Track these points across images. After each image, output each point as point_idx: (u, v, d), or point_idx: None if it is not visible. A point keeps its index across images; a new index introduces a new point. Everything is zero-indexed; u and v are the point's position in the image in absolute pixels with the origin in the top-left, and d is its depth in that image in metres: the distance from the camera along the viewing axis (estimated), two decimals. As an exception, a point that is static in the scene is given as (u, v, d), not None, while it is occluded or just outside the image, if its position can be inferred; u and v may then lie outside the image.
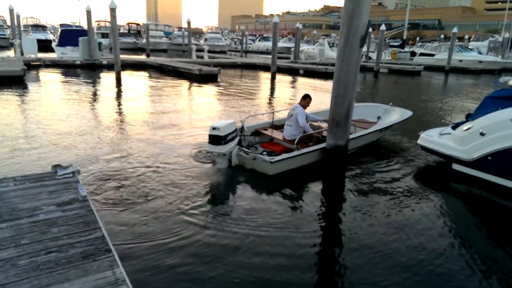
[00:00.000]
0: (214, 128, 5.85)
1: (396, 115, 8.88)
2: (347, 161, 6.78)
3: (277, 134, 7.62)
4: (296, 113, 7.07)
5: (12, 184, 3.94)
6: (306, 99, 7.37)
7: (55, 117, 9.82)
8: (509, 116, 5.93)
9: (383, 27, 28.64)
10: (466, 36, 53.09)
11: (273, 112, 8.52)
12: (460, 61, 33.59)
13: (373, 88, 21.50)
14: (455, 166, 6.83)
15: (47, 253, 2.72)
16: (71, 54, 25.06)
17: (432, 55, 38.61)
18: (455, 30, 30.40)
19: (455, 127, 7.16)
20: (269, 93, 17.44)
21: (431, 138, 7.27)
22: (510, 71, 32.26)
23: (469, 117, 6.92)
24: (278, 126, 8.10)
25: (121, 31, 50.11)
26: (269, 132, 7.73)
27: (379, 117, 9.27)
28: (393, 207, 5.36)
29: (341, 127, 6.45)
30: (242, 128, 7.42)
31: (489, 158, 6.17)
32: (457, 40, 32.91)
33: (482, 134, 6.26)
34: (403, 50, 44.01)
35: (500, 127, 6.03)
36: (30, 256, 2.69)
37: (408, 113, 8.81)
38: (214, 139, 5.86)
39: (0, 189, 3.80)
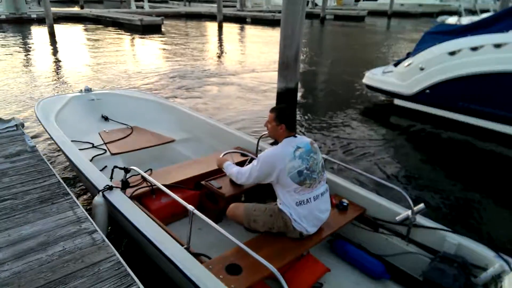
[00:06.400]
0: None
1: None
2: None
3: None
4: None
5: (-51, 141, 3.67)
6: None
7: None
8: (446, 49, 6.29)
9: (327, -29, 28.33)
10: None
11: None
12: (402, 5, 34.43)
13: (320, 35, 21.63)
14: (397, 101, 7.24)
15: (1, 201, 2.64)
16: (-6, 7, 22.55)
17: (375, -1, 39.15)
18: (396, -27, 30.84)
19: (397, 64, 7.47)
20: (218, 43, 17.01)
21: (375, 76, 7.58)
22: (448, 13, 33.53)
23: (410, 54, 7.25)
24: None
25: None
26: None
27: None
28: (345, 144, 5.69)
29: (291, 69, 6.51)
30: None
31: (428, 91, 6.59)
32: (398, -16, 33.46)
33: (421, 68, 6.61)
34: (348, -4, 44.10)
35: (437, 60, 6.39)
36: (-18, 206, 2.60)
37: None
38: None
39: None
